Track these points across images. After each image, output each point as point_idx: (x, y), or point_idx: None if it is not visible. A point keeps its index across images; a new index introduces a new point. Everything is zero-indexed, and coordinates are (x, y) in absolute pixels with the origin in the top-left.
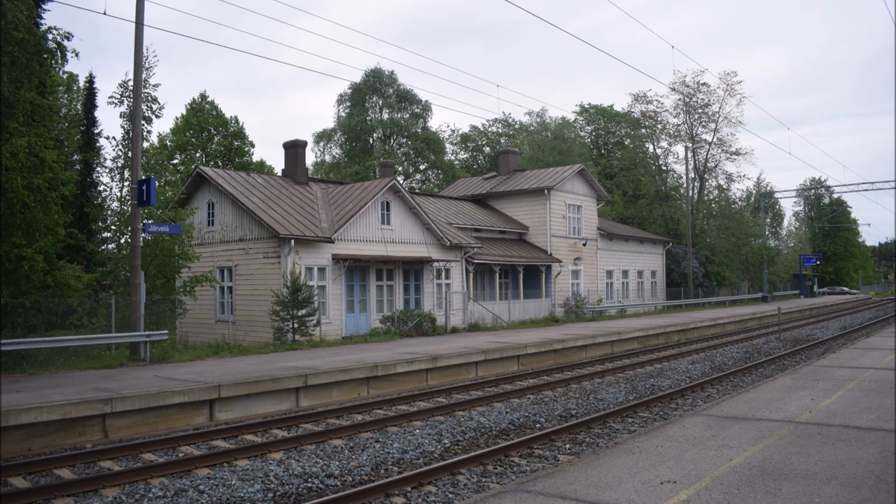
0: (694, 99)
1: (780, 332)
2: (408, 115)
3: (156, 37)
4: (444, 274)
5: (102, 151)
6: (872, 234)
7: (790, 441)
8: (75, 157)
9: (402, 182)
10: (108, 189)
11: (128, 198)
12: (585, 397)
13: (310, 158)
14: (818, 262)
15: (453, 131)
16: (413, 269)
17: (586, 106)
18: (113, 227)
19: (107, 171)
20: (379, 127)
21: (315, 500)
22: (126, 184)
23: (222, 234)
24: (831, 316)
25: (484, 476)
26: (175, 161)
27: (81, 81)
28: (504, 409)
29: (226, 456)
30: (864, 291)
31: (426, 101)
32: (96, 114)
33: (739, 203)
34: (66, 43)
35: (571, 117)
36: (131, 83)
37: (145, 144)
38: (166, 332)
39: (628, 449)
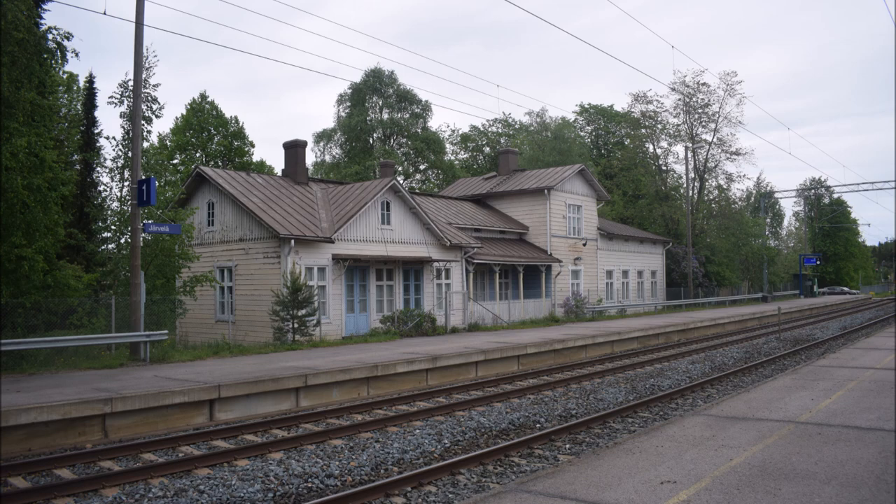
0: (694, 99)
1: (780, 332)
2: (408, 115)
3: (156, 37)
4: (444, 274)
5: (102, 151)
6: (872, 234)
7: (790, 441)
8: (75, 157)
9: (402, 182)
10: (108, 189)
11: (128, 198)
12: (585, 397)
13: (310, 158)
14: (818, 263)
15: (453, 131)
16: (413, 269)
17: (586, 106)
18: (113, 227)
19: (107, 171)
20: (379, 127)
21: (315, 500)
22: (126, 184)
23: (222, 234)
24: (831, 316)
25: (484, 476)
26: (175, 161)
27: (81, 81)
28: (504, 409)
29: (226, 456)
30: (864, 291)
31: (426, 101)
32: (96, 114)
33: (739, 203)
34: (66, 43)
35: (571, 117)
36: (131, 83)
37: (145, 144)
38: (166, 332)
39: (628, 449)
